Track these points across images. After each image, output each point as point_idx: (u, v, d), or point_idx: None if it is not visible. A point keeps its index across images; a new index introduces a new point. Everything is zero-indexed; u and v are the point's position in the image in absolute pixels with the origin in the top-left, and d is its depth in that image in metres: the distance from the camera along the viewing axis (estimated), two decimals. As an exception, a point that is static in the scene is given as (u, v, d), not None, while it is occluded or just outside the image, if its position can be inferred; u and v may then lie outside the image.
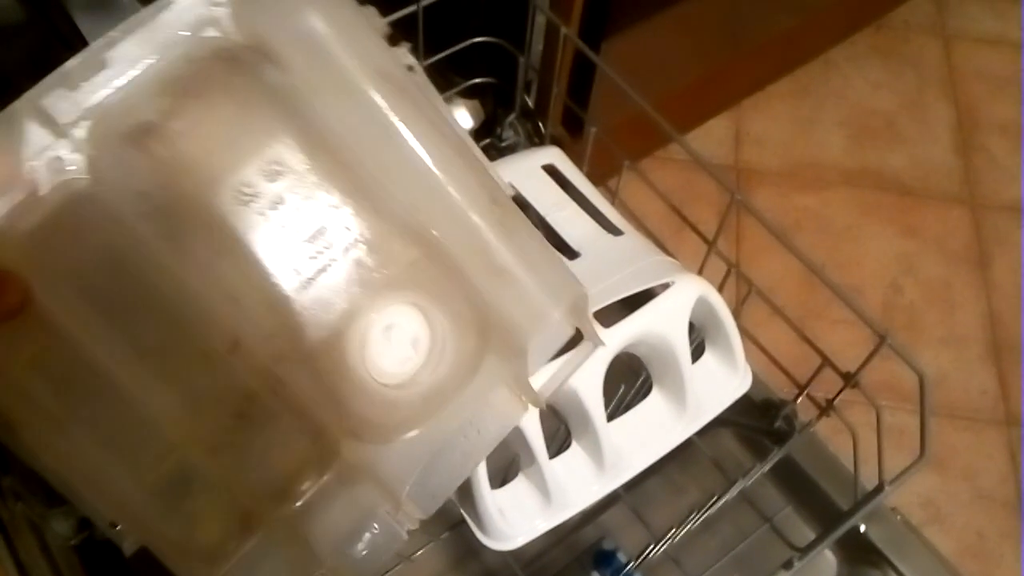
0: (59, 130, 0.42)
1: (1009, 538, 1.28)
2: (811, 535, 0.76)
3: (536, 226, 0.70)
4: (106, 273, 0.43)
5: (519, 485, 0.63)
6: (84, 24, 0.64)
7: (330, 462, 0.45)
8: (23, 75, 0.43)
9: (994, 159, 1.63)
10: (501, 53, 0.83)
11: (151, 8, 0.44)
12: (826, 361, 0.67)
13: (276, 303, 0.44)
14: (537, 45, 0.86)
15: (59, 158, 0.42)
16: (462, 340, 0.48)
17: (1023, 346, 1.43)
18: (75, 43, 0.65)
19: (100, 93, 0.43)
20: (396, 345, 0.46)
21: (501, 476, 0.65)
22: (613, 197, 0.79)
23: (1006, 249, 1.53)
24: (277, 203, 0.45)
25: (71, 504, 0.46)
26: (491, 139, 0.90)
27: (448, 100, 0.97)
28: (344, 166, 0.46)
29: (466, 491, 0.61)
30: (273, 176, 0.45)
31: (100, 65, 0.43)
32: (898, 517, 0.79)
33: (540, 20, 0.83)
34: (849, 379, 0.65)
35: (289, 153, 0.45)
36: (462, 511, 0.63)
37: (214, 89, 0.45)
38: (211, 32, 0.45)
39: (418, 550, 0.74)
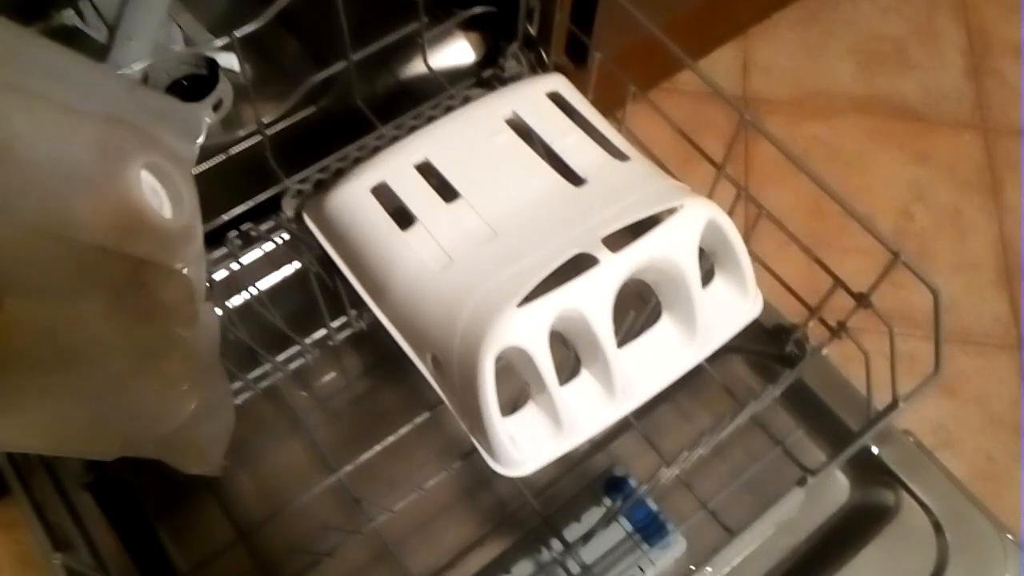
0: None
1: (1018, 460, 1.28)
2: (823, 458, 0.76)
3: (541, 155, 0.70)
4: None
5: (529, 412, 0.63)
6: None
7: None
8: None
9: (1006, 82, 1.60)
10: (502, -20, 0.82)
11: None
12: (838, 282, 0.66)
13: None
14: (538, -30, 0.84)
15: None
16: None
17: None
18: None
19: None
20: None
21: (512, 404, 0.65)
22: (620, 126, 0.77)
23: (1018, 174, 1.51)
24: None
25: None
26: (493, 70, 0.88)
27: (448, 32, 0.96)
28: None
29: (476, 419, 0.61)
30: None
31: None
32: (910, 439, 0.79)
33: (541, -56, 0.81)
34: (861, 299, 0.65)
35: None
36: (473, 440, 0.63)
37: None
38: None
39: (430, 480, 0.74)
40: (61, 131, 0.51)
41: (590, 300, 0.60)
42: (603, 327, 0.61)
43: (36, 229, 0.47)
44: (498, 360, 0.58)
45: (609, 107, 0.79)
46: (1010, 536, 0.75)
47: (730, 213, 0.70)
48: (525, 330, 0.59)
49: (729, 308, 0.69)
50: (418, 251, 0.64)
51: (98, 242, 0.50)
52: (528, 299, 0.59)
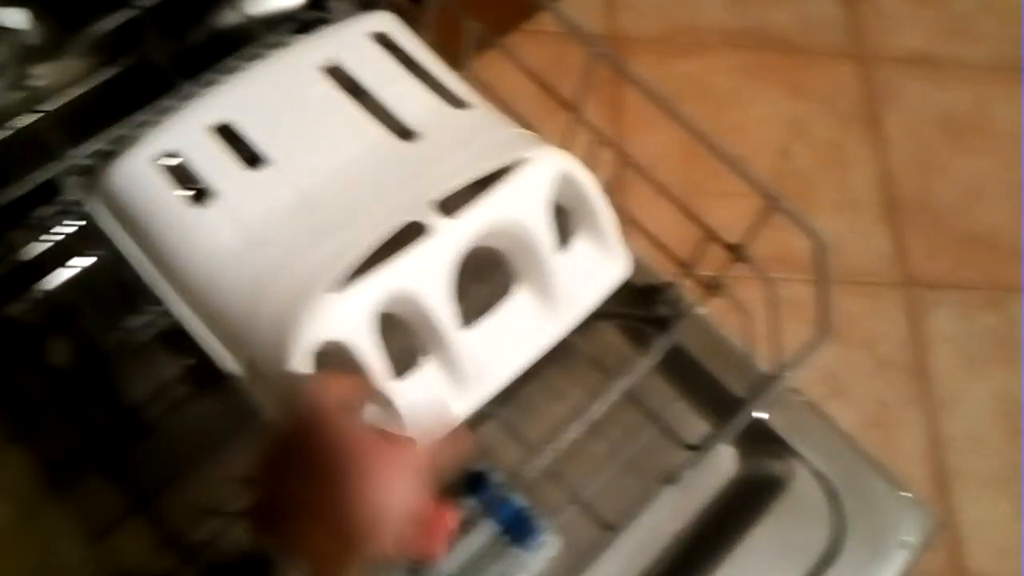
0: None
1: (910, 402, 1.25)
2: (708, 430, 0.69)
3: (366, 107, 0.59)
4: None
5: (367, 415, 0.54)
6: None
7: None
8: None
9: (880, 8, 1.56)
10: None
11: None
12: (709, 233, 0.58)
13: None
14: None
15: None
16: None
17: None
18: None
19: None
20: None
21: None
22: (468, 76, 0.68)
23: (898, 104, 1.48)
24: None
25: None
26: (318, 13, 0.78)
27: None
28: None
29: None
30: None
31: None
32: (799, 399, 0.72)
33: None
34: (736, 250, 0.57)
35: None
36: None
37: None
38: None
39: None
40: None
41: (422, 277, 0.51)
42: (441, 308, 0.52)
43: None
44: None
45: (460, 57, 0.70)
46: (906, 494, 0.70)
47: (594, 164, 0.62)
48: (342, 321, 0.49)
49: (592, 271, 0.60)
50: (215, 230, 0.54)
51: None
52: (347, 282, 0.50)
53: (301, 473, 0.42)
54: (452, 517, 0.45)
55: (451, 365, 0.54)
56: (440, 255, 0.52)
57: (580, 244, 0.60)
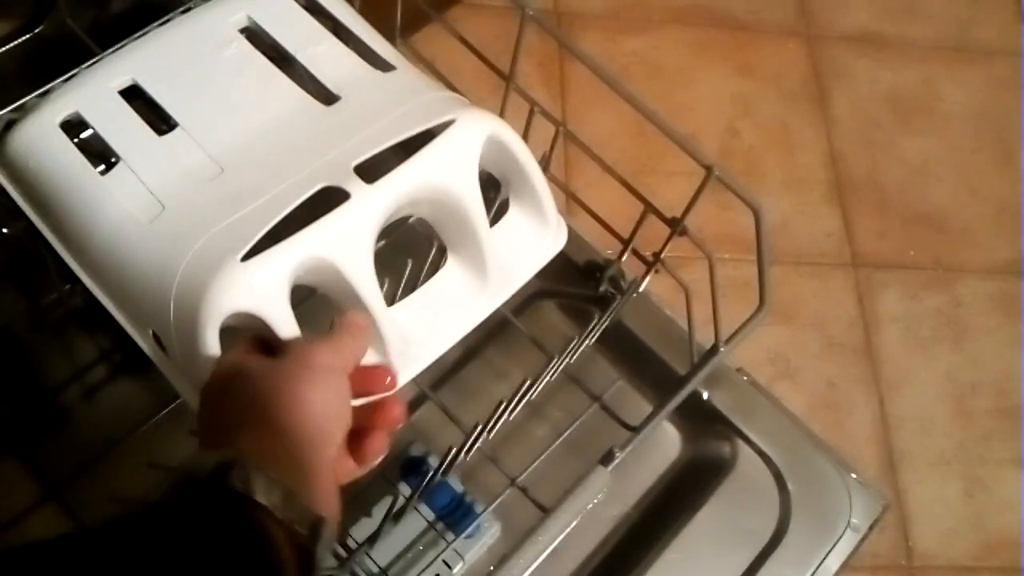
0: None
1: (858, 383, 1.24)
2: (649, 409, 0.66)
3: (285, 70, 0.56)
4: None
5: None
6: None
7: None
8: None
9: (828, -15, 1.54)
10: None
11: None
12: (649, 207, 0.56)
13: None
14: None
15: None
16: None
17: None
18: None
19: None
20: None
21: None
22: (407, 47, 0.65)
23: (845, 82, 1.46)
24: None
25: None
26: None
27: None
28: None
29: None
30: None
31: None
32: (744, 379, 0.70)
33: None
34: (675, 224, 0.54)
35: None
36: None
37: None
38: None
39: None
40: None
41: (342, 245, 0.48)
42: (363, 279, 0.49)
43: None
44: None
45: (402, 30, 0.67)
46: (854, 475, 0.68)
47: (532, 138, 0.59)
48: (255, 290, 0.45)
49: (527, 243, 0.57)
50: (120, 198, 0.50)
51: None
52: (260, 250, 0.46)
53: (239, 401, 0.42)
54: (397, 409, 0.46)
55: (377, 341, 0.51)
56: (360, 222, 0.48)
57: (514, 214, 0.57)
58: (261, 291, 0.45)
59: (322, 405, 0.42)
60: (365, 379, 0.46)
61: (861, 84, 1.46)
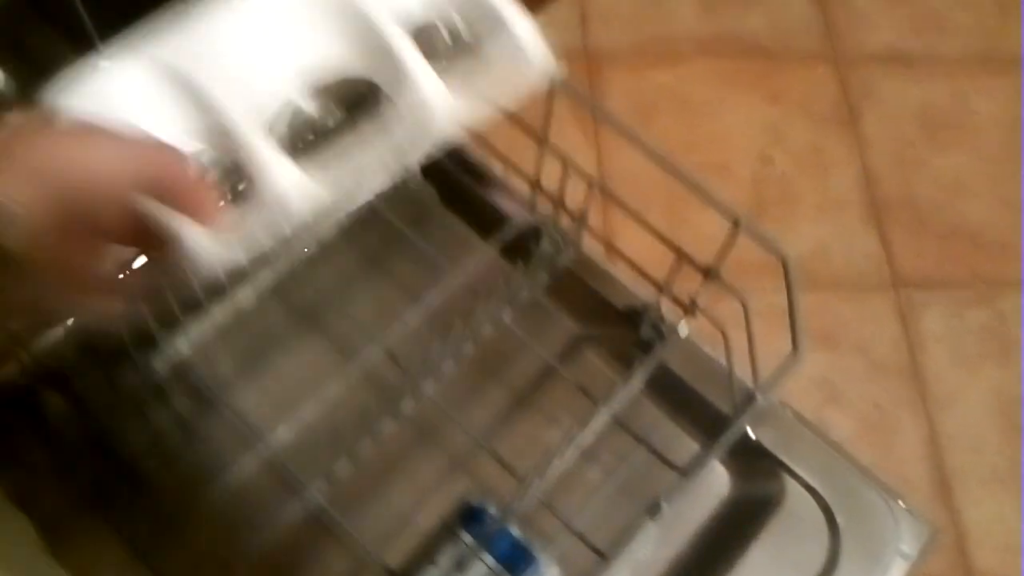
0: None
1: (906, 404, 1.24)
2: (697, 450, 0.68)
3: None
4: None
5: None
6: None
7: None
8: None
9: (853, 7, 1.55)
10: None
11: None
12: (680, 255, 0.58)
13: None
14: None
15: None
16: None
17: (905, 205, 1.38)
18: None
19: None
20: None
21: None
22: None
23: (874, 102, 1.46)
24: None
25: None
26: None
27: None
28: None
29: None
30: None
31: None
32: (788, 412, 0.71)
33: None
34: (709, 273, 0.56)
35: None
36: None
37: None
38: None
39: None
40: None
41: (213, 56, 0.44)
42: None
43: None
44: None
45: None
46: (901, 503, 0.69)
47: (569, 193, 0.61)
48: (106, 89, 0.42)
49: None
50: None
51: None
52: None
53: None
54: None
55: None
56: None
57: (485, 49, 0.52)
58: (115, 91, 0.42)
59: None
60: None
61: (891, 103, 1.46)
